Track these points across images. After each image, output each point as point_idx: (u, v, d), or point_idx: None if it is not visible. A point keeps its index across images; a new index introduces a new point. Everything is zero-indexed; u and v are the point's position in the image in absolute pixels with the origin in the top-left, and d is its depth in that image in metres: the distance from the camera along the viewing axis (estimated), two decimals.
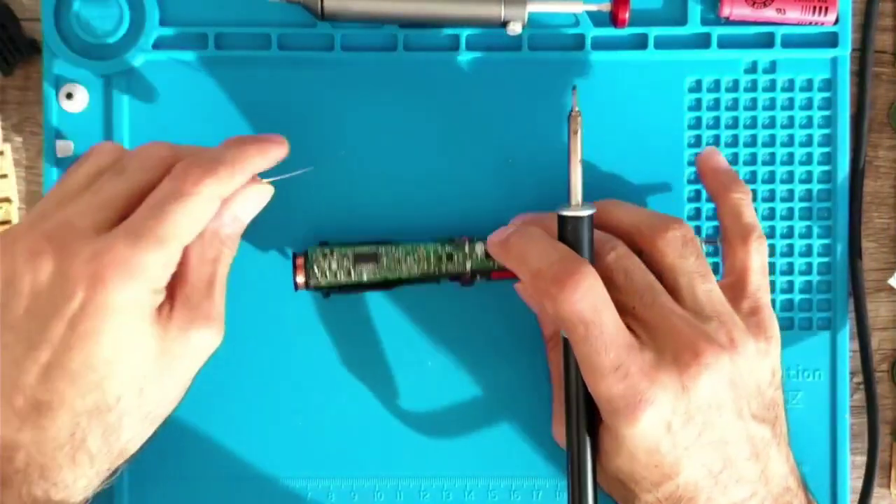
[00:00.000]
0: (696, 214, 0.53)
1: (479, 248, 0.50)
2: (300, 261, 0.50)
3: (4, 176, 0.53)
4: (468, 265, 0.50)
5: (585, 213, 0.46)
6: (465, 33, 0.53)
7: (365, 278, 0.50)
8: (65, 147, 0.53)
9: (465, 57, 0.53)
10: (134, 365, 0.43)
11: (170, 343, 0.44)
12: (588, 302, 0.43)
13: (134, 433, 0.44)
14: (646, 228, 0.47)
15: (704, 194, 0.53)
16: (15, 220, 0.53)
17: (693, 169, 0.53)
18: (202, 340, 0.45)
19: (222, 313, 0.46)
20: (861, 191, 0.53)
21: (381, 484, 0.53)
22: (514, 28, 0.51)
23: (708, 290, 0.46)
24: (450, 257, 0.51)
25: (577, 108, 0.46)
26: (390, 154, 0.53)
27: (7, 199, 0.53)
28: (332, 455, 0.53)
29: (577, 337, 0.44)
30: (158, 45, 0.53)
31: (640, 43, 0.53)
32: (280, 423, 0.53)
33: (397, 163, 0.53)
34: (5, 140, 0.54)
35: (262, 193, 0.48)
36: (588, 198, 0.52)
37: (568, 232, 0.46)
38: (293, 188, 0.52)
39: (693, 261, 0.46)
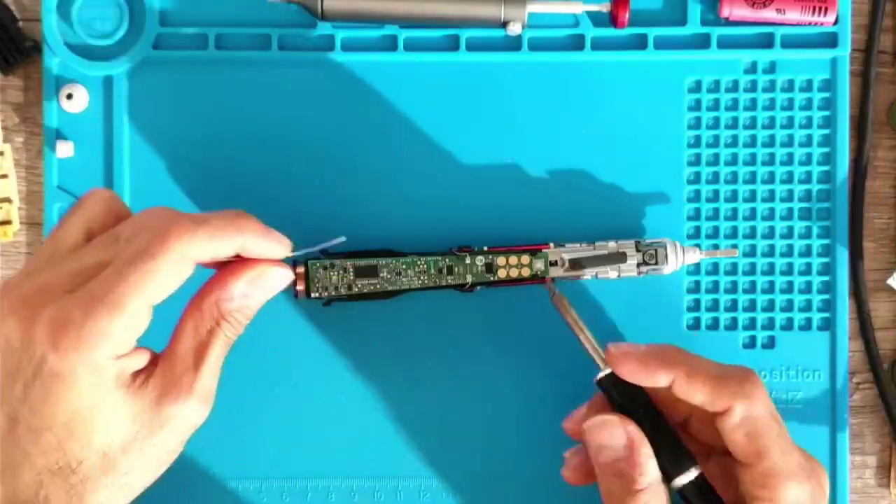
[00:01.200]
0: (696, 215, 0.53)
1: (480, 261, 0.50)
2: (300, 270, 0.50)
3: (5, 176, 0.53)
4: (469, 277, 0.51)
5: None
6: (465, 34, 0.53)
7: (365, 290, 0.50)
8: (65, 147, 0.52)
9: (465, 57, 0.53)
10: (95, 430, 0.42)
11: (140, 412, 0.42)
12: None
13: (103, 498, 0.43)
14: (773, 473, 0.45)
15: (704, 194, 0.53)
16: (15, 220, 0.54)
17: (693, 169, 0.53)
18: (177, 414, 0.43)
19: (209, 389, 0.44)
20: (863, 191, 0.53)
21: (381, 484, 0.53)
22: (514, 28, 0.51)
23: None
24: (450, 270, 0.50)
25: (555, 292, 0.48)
26: (389, 154, 0.53)
27: (7, 200, 0.53)
28: (333, 455, 0.53)
29: None
30: (158, 45, 0.53)
31: (639, 43, 0.53)
32: (280, 423, 0.53)
33: (396, 163, 0.53)
34: (5, 140, 0.54)
35: (279, 276, 0.45)
36: (587, 198, 0.52)
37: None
38: (292, 191, 0.53)
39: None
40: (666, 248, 0.50)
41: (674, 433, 0.46)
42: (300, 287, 0.50)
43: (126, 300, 0.41)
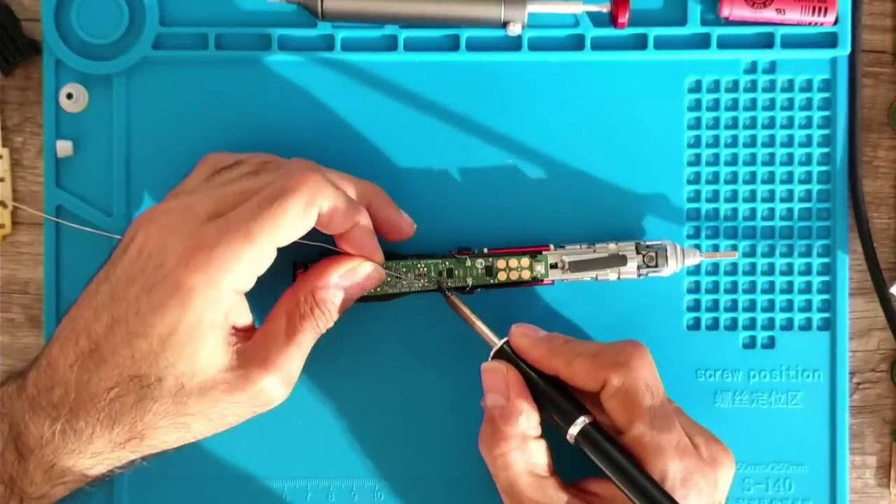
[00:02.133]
0: (696, 215, 0.53)
1: (480, 263, 0.51)
2: (301, 272, 0.50)
3: (2, 180, 0.53)
4: (469, 280, 0.51)
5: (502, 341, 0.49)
6: (465, 34, 0.52)
7: (365, 293, 0.50)
8: (65, 147, 0.52)
9: (465, 57, 0.53)
10: (184, 355, 0.44)
11: (228, 367, 0.45)
12: None
13: (160, 425, 0.45)
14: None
15: (704, 195, 0.53)
16: (8, 224, 0.54)
17: (693, 169, 0.53)
18: (259, 385, 0.45)
19: (292, 372, 0.46)
20: (861, 188, 0.53)
21: (381, 484, 0.53)
22: (514, 29, 0.51)
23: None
24: (450, 273, 0.51)
25: (449, 297, 0.50)
26: (389, 154, 0.53)
27: (1, 203, 0.53)
28: (333, 455, 0.53)
29: None
30: (158, 45, 0.52)
31: (639, 43, 0.53)
32: (281, 423, 0.53)
33: (396, 163, 0.53)
34: (5, 140, 0.54)
35: (369, 272, 0.48)
36: (587, 198, 0.52)
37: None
38: None
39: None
40: (666, 251, 0.50)
41: (568, 393, 0.48)
42: None
43: (257, 233, 0.44)
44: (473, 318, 0.49)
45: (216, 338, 0.44)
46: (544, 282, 0.51)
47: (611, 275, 0.50)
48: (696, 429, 0.48)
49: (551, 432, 0.48)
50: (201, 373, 0.44)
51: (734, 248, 0.53)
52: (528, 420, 0.47)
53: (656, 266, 0.50)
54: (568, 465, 0.48)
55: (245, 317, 0.46)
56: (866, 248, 0.53)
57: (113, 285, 0.45)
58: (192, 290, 0.43)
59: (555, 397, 0.48)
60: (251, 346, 0.46)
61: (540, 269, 0.50)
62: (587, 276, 0.50)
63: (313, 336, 0.47)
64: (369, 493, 0.53)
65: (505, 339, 0.49)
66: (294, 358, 0.46)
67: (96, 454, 0.45)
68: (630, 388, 0.46)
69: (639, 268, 0.50)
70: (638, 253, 0.50)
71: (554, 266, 0.50)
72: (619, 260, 0.50)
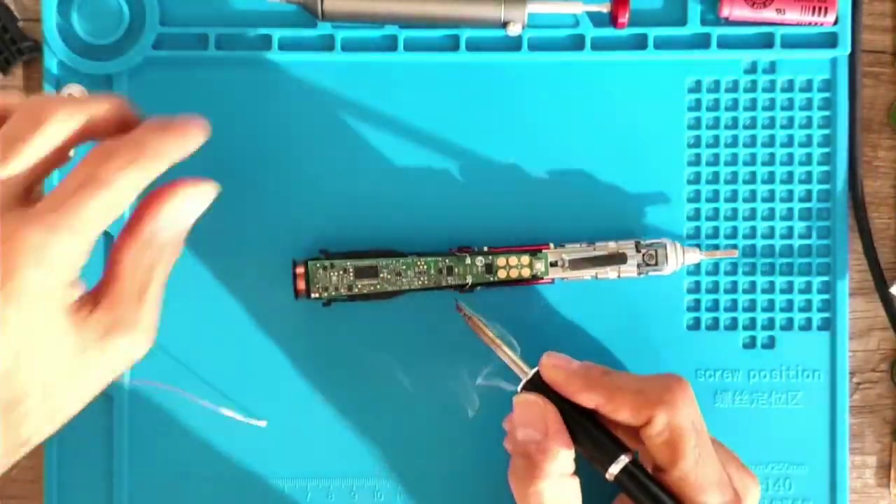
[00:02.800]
0: (696, 215, 0.53)
1: (480, 261, 0.51)
2: (300, 270, 0.50)
3: None
4: (469, 278, 0.51)
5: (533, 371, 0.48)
6: (465, 34, 0.53)
7: (365, 291, 0.50)
8: None
9: (465, 57, 0.53)
10: (43, 362, 0.41)
11: (85, 345, 0.42)
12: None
13: (36, 429, 0.42)
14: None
15: (704, 194, 0.53)
16: None
17: (693, 169, 0.53)
18: (122, 348, 0.42)
19: (152, 323, 0.43)
20: (861, 188, 0.53)
21: (381, 484, 0.53)
22: (514, 29, 0.51)
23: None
24: (450, 270, 0.51)
25: (468, 315, 0.49)
26: (390, 154, 0.53)
27: None
28: (333, 455, 0.53)
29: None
30: (158, 45, 0.52)
31: (639, 43, 0.53)
32: (281, 423, 0.53)
33: (397, 163, 0.53)
34: None
35: (205, 193, 0.45)
36: (587, 198, 0.52)
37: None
38: (292, 190, 0.53)
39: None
40: (666, 249, 0.50)
41: (605, 428, 0.47)
42: (300, 288, 0.50)
43: (80, 226, 0.40)
44: (499, 342, 0.49)
45: (67, 331, 0.41)
46: (544, 280, 0.51)
47: (611, 273, 0.51)
48: (727, 456, 0.48)
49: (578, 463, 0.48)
50: (63, 364, 0.41)
51: (734, 248, 0.53)
52: (567, 457, 0.46)
53: (656, 264, 0.50)
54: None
55: (80, 284, 0.42)
56: (866, 248, 0.53)
57: None
58: (31, 297, 0.40)
59: (594, 434, 0.46)
60: (105, 311, 0.42)
61: (540, 266, 0.51)
62: (587, 274, 0.51)
63: (163, 277, 0.43)
64: (369, 493, 0.53)
65: (535, 370, 0.48)
66: (150, 309, 0.43)
67: None
68: (676, 428, 0.45)
69: (639, 266, 0.50)
70: (638, 251, 0.50)
71: (554, 264, 0.51)
72: (618, 258, 0.50)
